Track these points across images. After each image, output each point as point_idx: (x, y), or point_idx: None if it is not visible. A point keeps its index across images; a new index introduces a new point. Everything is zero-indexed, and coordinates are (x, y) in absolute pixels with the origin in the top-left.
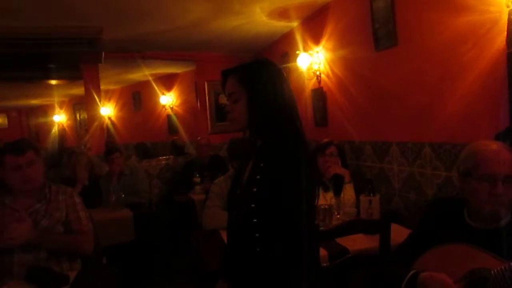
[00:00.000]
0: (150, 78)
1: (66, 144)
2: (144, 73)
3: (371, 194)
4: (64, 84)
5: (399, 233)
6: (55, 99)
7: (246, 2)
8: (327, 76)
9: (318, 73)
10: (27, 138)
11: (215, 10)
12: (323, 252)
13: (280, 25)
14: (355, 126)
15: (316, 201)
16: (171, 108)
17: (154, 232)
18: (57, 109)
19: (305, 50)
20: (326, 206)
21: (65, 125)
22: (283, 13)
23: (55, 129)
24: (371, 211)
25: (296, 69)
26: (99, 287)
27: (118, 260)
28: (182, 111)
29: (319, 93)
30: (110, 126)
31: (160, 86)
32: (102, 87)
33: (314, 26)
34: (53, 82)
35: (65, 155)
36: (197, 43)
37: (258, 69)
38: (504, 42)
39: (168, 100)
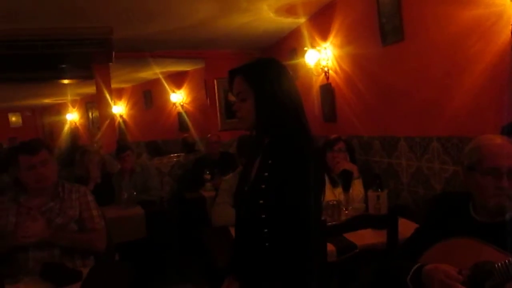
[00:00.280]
0: (161, 76)
1: (79, 143)
2: (154, 71)
3: (379, 189)
4: (76, 83)
5: (407, 228)
6: (68, 98)
7: None
8: (335, 72)
9: (326, 69)
10: (40, 138)
11: (223, 8)
12: (331, 247)
13: (287, 21)
14: (363, 122)
15: (323, 196)
16: (182, 106)
17: (165, 229)
18: (70, 108)
19: (313, 46)
20: (335, 202)
21: (77, 124)
22: (290, 10)
23: (67, 128)
24: (379, 206)
25: (304, 65)
26: (111, 283)
27: (130, 257)
28: (192, 109)
29: (328, 89)
30: (121, 124)
31: (171, 84)
32: (114, 85)
33: (321, 22)
34: (66, 81)
35: (77, 154)
36: (205, 41)
37: (264, 68)
38: (510, 35)
39: (179, 97)
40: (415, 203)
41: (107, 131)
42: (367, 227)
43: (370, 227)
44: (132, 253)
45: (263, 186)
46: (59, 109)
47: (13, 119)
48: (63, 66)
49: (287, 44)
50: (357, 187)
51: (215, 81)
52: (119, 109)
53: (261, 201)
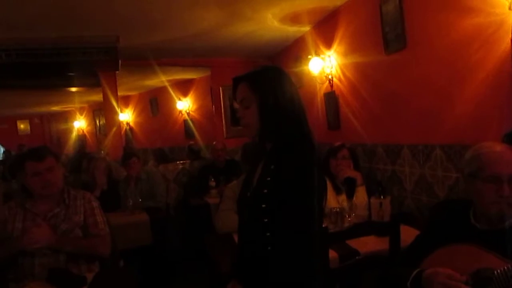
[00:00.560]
0: (167, 84)
1: (86, 150)
2: (160, 79)
3: (381, 197)
4: (84, 91)
5: (410, 235)
6: (76, 105)
7: (257, 8)
8: (339, 80)
9: (330, 77)
10: (47, 145)
11: (227, 17)
12: (333, 254)
13: (292, 30)
14: (367, 129)
15: (324, 202)
16: (188, 113)
17: (170, 236)
18: (77, 115)
19: (317, 54)
20: (338, 209)
21: (85, 131)
22: (294, 18)
23: (75, 135)
24: (382, 213)
25: (309, 73)
26: None
27: (135, 263)
28: (198, 116)
29: (332, 97)
30: (128, 131)
31: (177, 92)
32: (120, 93)
33: (325, 31)
34: (74, 89)
35: (84, 161)
36: (211, 49)
37: (267, 75)
38: (510, 44)
39: (185, 105)
40: (419, 210)
41: (114, 138)
42: (369, 234)
43: (372, 234)
44: (137, 259)
45: (266, 191)
46: (67, 117)
47: (22, 126)
48: (71, 74)
49: (292, 52)
50: (361, 194)
51: (220, 88)
52: (126, 116)
53: (263, 206)
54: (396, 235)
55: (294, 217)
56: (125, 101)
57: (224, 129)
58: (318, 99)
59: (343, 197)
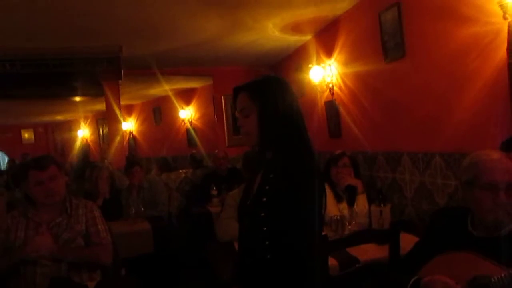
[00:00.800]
0: (170, 93)
1: (89, 158)
2: (163, 88)
3: (382, 204)
4: (88, 100)
5: (410, 243)
6: (80, 114)
7: (258, 18)
8: (340, 88)
9: (331, 85)
10: (50, 154)
11: (229, 27)
12: (333, 261)
13: (293, 39)
14: (368, 137)
15: (323, 210)
16: (190, 122)
17: (172, 244)
18: (81, 124)
19: (318, 63)
20: (338, 217)
21: (88, 140)
22: (295, 28)
23: (79, 144)
24: (382, 221)
25: (310, 82)
26: None
27: (137, 272)
28: (201, 125)
29: (332, 105)
30: (131, 140)
31: (179, 101)
32: (124, 102)
33: (326, 40)
34: (77, 98)
35: (87, 169)
36: (213, 58)
37: (267, 85)
38: (506, 53)
39: (187, 114)
40: (419, 217)
41: (117, 147)
42: (368, 242)
43: (372, 242)
44: (139, 268)
45: (265, 199)
46: (70, 126)
47: (26, 135)
48: (75, 83)
49: (293, 60)
50: (362, 202)
51: (222, 97)
52: (129, 125)
53: (262, 214)
54: (396, 243)
55: (293, 226)
56: (128, 110)
57: (226, 138)
58: (319, 108)
59: (344, 205)
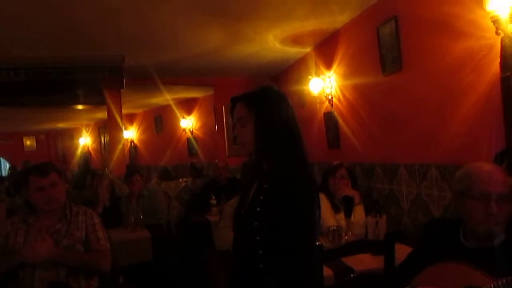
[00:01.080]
0: (171, 103)
1: (91, 166)
2: (165, 98)
3: (378, 215)
4: (90, 109)
5: (405, 254)
6: (81, 122)
7: (258, 30)
8: (339, 100)
9: (330, 97)
10: (51, 161)
11: (230, 39)
12: (328, 271)
13: (294, 51)
14: (366, 148)
15: (317, 221)
16: (191, 132)
17: (171, 253)
18: (83, 132)
19: (317, 74)
20: (335, 227)
21: (90, 148)
22: (296, 40)
23: (80, 152)
24: (378, 232)
25: (309, 93)
26: None
27: (135, 280)
28: (202, 134)
29: (331, 116)
30: (132, 149)
31: (181, 110)
32: (126, 111)
33: (325, 52)
34: (79, 107)
35: (88, 177)
36: (214, 68)
37: (264, 95)
38: (499, 67)
39: (188, 123)
40: (416, 229)
41: (118, 155)
42: (363, 252)
43: (367, 252)
44: (137, 275)
45: (258, 209)
46: (72, 133)
47: (28, 142)
48: (77, 92)
49: (293, 72)
50: (359, 213)
51: (223, 107)
52: (131, 133)
53: (256, 223)
54: (391, 253)
55: (286, 236)
56: (130, 119)
57: (227, 147)
58: (319, 119)
59: (341, 215)
